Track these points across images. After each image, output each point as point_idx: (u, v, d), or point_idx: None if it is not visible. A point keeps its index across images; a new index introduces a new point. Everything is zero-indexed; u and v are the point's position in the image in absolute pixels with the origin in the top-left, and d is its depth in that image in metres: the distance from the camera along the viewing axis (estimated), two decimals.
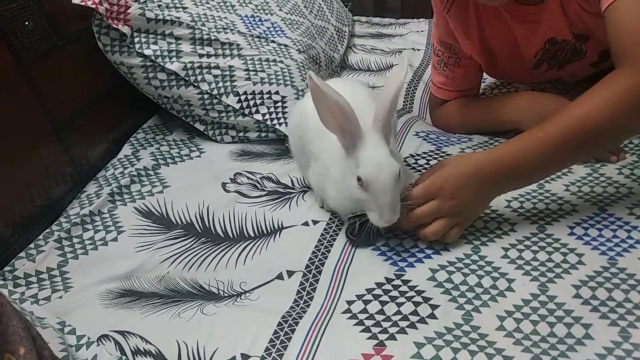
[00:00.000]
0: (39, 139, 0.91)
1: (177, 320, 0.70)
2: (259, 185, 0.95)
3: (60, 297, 0.75)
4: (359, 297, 0.70)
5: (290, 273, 0.76)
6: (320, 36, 1.32)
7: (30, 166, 0.89)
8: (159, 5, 1.05)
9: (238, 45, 1.08)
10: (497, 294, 0.69)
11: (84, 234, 0.86)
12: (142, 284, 0.76)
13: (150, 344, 0.67)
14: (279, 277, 0.76)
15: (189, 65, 1.03)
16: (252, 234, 0.84)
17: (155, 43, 1.03)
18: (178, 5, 1.08)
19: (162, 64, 1.02)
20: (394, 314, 0.67)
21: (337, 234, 0.83)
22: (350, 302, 0.70)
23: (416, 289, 0.71)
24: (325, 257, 0.78)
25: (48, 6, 0.92)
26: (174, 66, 1.02)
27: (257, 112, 1.05)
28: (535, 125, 0.74)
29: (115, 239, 0.85)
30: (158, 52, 1.02)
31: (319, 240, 0.81)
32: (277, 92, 1.06)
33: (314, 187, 0.83)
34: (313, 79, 0.66)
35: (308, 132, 0.81)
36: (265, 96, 1.06)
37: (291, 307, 0.70)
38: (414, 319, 0.66)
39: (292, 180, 0.96)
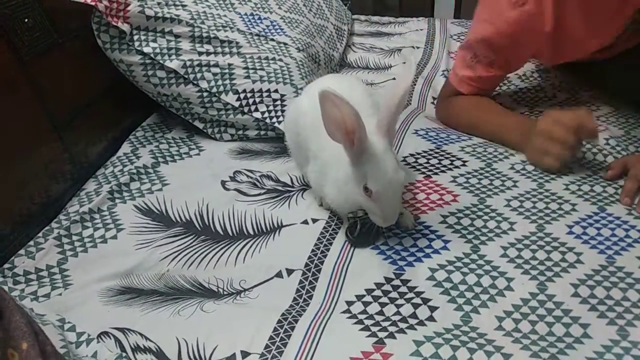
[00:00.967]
0: (38, 137, 0.91)
1: (177, 318, 0.70)
2: (258, 184, 0.95)
3: (60, 295, 0.75)
4: (359, 297, 0.71)
5: (289, 271, 0.76)
6: (319, 35, 1.32)
7: (30, 164, 0.88)
8: (159, 3, 1.05)
9: (237, 43, 1.08)
10: (496, 293, 0.70)
11: (83, 232, 0.86)
12: (141, 282, 0.76)
13: (150, 341, 0.67)
14: (279, 275, 0.76)
15: (188, 63, 1.03)
16: (251, 232, 0.84)
17: (154, 41, 1.03)
18: (177, 3, 1.08)
19: (161, 61, 1.02)
20: (394, 315, 0.67)
21: (336, 233, 0.83)
22: (349, 303, 0.70)
23: (415, 290, 0.71)
24: (325, 256, 0.78)
25: (47, 3, 0.92)
26: (173, 64, 1.02)
27: (257, 110, 1.05)
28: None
29: (114, 237, 0.85)
30: (157, 50, 1.02)
31: (318, 239, 0.82)
32: (276, 91, 1.06)
33: (313, 184, 0.83)
34: (330, 93, 0.64)
35: (305, 130, 0.81)
36: (265, 94, 1.06)
37: (291, 306, 0.71)
38: (413, 321, 0.66)
39: (291, 179, 0.96)
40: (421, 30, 1.58)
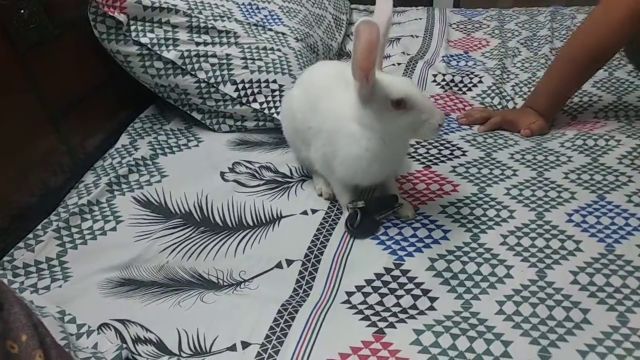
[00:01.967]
0: (35, 129, 0.90)
1: (177, 309, 0.70)
2: (257, 175, 0.95)
3: (60, 287, 0.75)
4: (359, 288, 0.71)
5: (289, 262, 0.76)
6: (317, 24, 1.31)
7: (28, 156, 0.88)
8: None
9: (235, 33, 1.07)
10: (495, 281, 0.70)
11: (82, 224, 0.85)
12: (141, 273, 0.76)
13: (151, 332, 0.67)
14: (278, 266, 0.76)
15: (185, 54, 1.03)
16: (251, 223, 0.84)
17: (151, 31, 1.02)
18: None
19: (158, 52, 1.01)
20: (394, 306, 0.68)
21: (335, 223, 0.83)
22: (349, 293, 0.70)
23: (415, 280, 0.71)
24: (324, 247, 0.78)
25: None
26: (171, 54, 1.02)
27: (255, 100, 1.05)
28: None
29: (114, 229, 0.84)
30: (155, 41, 1.01)
31: (318, 230, 0.82)
32: (274, 81, 1.05)
33: (319, 164, 0.82)
34: (369, 23, 0.64)
35: (301, 111, 0.82)
36: (263, 85, 1.05)
37: (291, 296, 0.71)
38: (413, 312, 0.66)
39: (290, 170, 0.96)
40: (420, 19, 1.57)
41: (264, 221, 0.84)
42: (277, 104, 1.04)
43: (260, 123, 1.07)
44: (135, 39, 1.01)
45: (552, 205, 0.81)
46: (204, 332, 0.66)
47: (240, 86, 1.05)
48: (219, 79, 1.04)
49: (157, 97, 1.11)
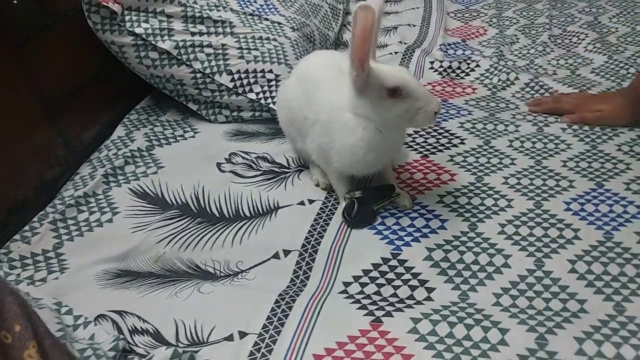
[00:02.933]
0: (31, 121, 0.89)
1: (174, 300, 0.70)
2: (254, 165, 0.94)
3: (57, 279, 0.75)
4: (356, 278, 0.70)
5: (286, 252, 0.76)
6: (314, 14, 1.30)
7: (23, 148, 0.87)
8: None
9: (231, 22, 1.06)
10: (493, 270, 0.69)
11: (78, 216, 0.85)
12: (138, 264, 0.76)
13: (148, 322, 0.67)
14: (275, 256, 0.76)
15: (180, 44, 1.02)
16: (247, 214, 0.83)
17: (146, 21, 1.01)
18: None
19: (153, 42, 1.00)
20: (391, 296, 0.68)
21: (333, 213, 0.83)
22: (347, 284, 0.70)
23: (412, 270, 0.71)
24: (322, 237, 0.78)
25: None
26: (166, 45, 1.01)
27: (251, 91, 1.04)
28: None
29: (110, 220, 0.84)
30: (149, 31, 1.00)
31: (315, 220, 0.81)
32: (270, 71, 1.04)
33: (316, 155, 0.82)
34: (366, 8, 0.64)
35: (296, 100, 0.81)
36: (259, 75, 1.04)
37: (288, 286, 0.71)
38: (410, 302, 0.66)
39: (287, 160, 0.95)
40: (417, 8, 1.56)
41: (260, 212, 0.84)
42: (274, 94, 1.04)
43: (257, 113, 1.06)
44: (130, 29, 1.00)
45: (550, 194, 0.81)
46: (202, 322, 0.66)
47: (236, 76, 1.04)
48: (215, 69, 1.03)
49: (153, 88, 1.11)
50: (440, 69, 1.23)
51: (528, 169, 0.87)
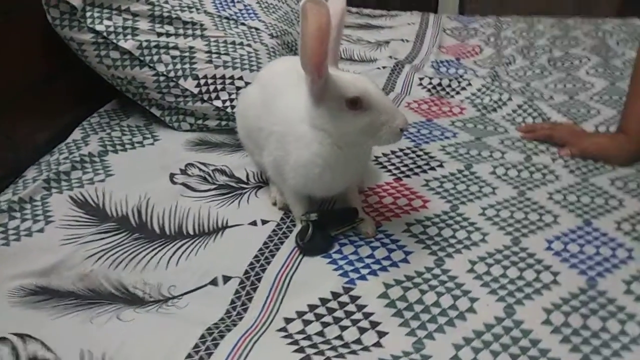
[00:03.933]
0: None
1: (87, 326, 0.61)
2: (210, 178, 0.86)
3: None
4: (299, 314, 0.62)
5: (226, 279, 0.67)
6: (299, 22, 1.23)
7: None
8: None
9: (202, 25, 1.00)
10: (456, 315, 0.60)
11: (9, 223, 0.77)
12: (59, 282, 0.68)
13: (51, 351, 0.58)
14: (213, 282, 0.67)
15: (144, 44, 0.95)
16: (191, 232, 0.75)
17: (109, 18, 0.94)
18: None
19: (115, 41, 0.94)
20: (335, 339, 0.58)
21: (286, 237, 0.74)
22: (288, 320, 0.61)
23: (364, 309, 0.62)
24: (269, 263, 0.69)
25: None
26: (128, 44, 0.94)
27: (217, 98, 0.96)
28: None
29: (41, 230, 0.76)
30: (111, 29, 0.94)
31: (265, 243, 0.73)
32: (240, 78, 0.97)
33: (271, 173, 0.75)
34: (317, 2, 0.59)
35: (254, 108, 0.74)
36: (228, 81, 0.97)
37: (221, 319, 0.62)
38: (356, 347, 0.57)
39: (247, 175, 0.87)
40: (413, 24, 1.49)
41: (206, 231, 0.75)
42: None
43: (223, 122, 0.99)
44: (91, 25, 0.93)
45: (531, 230, 0.72)
46: (111, 356, 0.57)
47: (202, 81, 0.96)
48: (180, 72, 0.96)
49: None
50: (430, 86, 1.15)
51: (510, 200, 0.78)
